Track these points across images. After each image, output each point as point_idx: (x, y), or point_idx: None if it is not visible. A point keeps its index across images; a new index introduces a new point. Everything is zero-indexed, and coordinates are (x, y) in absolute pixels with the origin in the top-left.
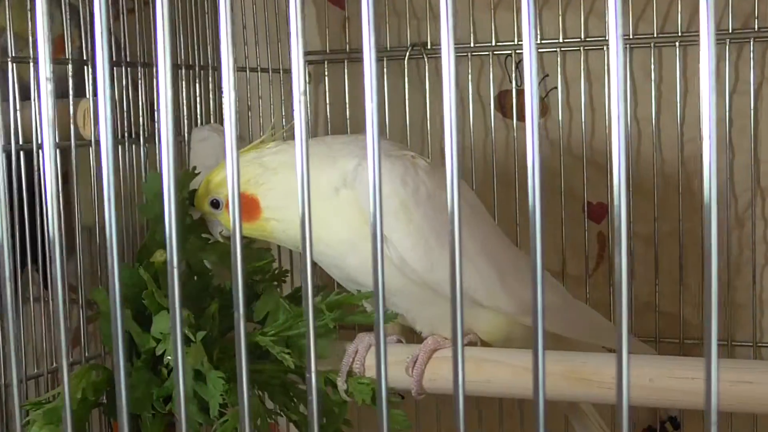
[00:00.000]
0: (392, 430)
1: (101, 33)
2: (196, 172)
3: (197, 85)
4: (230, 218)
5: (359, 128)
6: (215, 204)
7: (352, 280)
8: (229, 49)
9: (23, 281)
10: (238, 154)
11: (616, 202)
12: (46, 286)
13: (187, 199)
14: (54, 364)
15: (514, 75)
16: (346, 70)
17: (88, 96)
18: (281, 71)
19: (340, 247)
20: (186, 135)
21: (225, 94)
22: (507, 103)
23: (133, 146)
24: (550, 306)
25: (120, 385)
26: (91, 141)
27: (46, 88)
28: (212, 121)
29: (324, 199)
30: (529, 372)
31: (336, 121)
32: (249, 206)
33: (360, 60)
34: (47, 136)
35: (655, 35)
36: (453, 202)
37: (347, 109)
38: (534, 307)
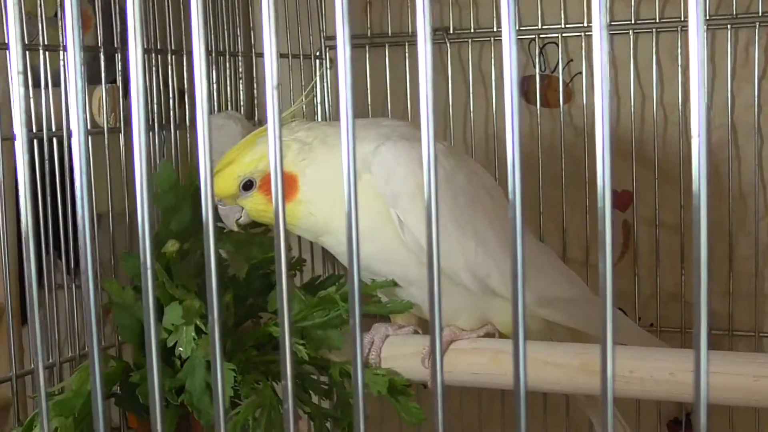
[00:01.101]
0: (407, 422)
1: (134, 20)
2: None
3: (215, 72)
4: (264, 198)
5: (379, 113)
6: (247, 185)
7: (367, 269)
8: (271, 34)
9: (47, 268)
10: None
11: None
12: (69, 273)
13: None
14: (70, 353)
15: (537, 60)
16: (367, 55)
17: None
18: (301, 56)
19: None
20: None
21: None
22: (530, 89)
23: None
24: (570, 300)
25: (153, 384)
26: (104, 129)
27: (76, 70)
28: (230, 107)
29: (342, 184)
30: (547, 365)
31: (356, 106)
32: (288, 182)
33: (381, 45)
34: (76, 124)
35: (681, 19)
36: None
37: (368, 95)
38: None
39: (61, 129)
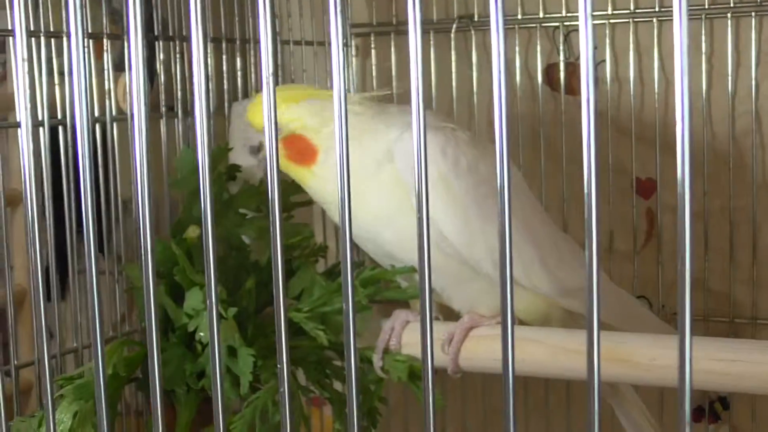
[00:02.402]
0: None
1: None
2: (230, 147)
3: (240, 59)
4: (282, 152)
5: (406, 102)
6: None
7: (387, 255)
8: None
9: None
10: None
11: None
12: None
13: (223, 174)
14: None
15: (562, 47)
16: (393, 43)
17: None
18: (325, 44)
19: (377, 221)
20: (226, 110)
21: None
22: (555, 76)
23: (171, 120)
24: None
25: (153, 363)
26: (127, 115)
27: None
28: (254, 95)
29: (365, 170)
30: (566, 352)
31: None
32: (307, 150)
33: (407, 32)
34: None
35: (706, 6)
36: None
37: (394, 83)
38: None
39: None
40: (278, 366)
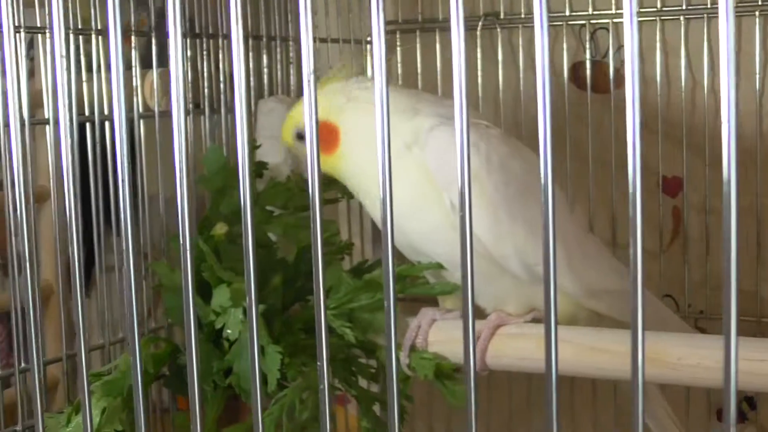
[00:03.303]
0: (452, 405)
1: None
2: (258, 144)
3: (264, 56)
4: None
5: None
6: (301, 136)
7: (413, 248)
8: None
9: (106, 248)
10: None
11: None
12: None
13: (251, 171)
14: (121, 334)
15: (588, 45)
16: (418, 40)
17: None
18: (352, 42)
19: (401, 209)
20: (253, 107)
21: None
22: (581, 75)
23: (200, 117)
24: (614, 291)
25: (192, 365)
26: (155, 112)
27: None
28: (280, 92)
29: (394, 148)
30: (594, 351)
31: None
32: (328, 136)
33: (433, 30)
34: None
35: (735, 5)
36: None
37: (419, 80)
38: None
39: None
40: (318, 363)
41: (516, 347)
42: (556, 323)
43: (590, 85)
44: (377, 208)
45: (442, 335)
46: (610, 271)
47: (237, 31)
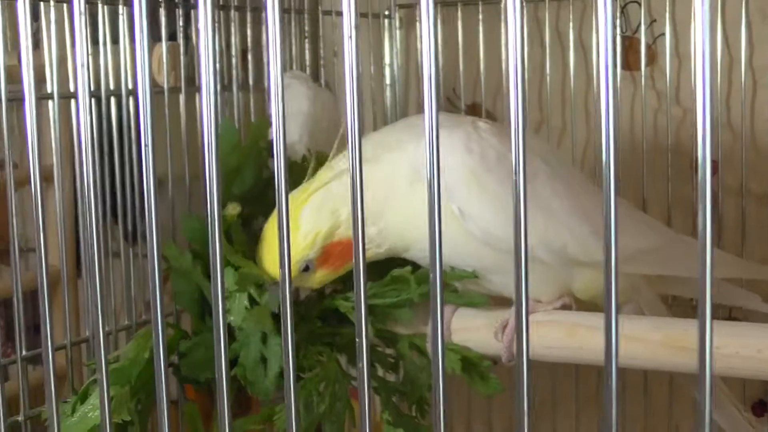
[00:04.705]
0: (485, 394)
1: None
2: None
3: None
4: (327, 270)
5: (451, 71)
6: (306, 268)
7: (447, 265)
8: None
9: (102, 235)
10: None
11: None
12: (126, 240)
13: (265, 149)
14: (126, 321)
15: (619, 20)
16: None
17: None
18: (369, 15)
19: (425, 238)
20: (267, 83)
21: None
22: None
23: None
24: (649, 249)
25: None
26: (164, 88)
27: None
28: (295, 67)
29: (401, 192)
30: (626, 339)
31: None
32: (348, 249)
33: (455, 3)
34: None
35: None
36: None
37: (439, 54)
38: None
39: (120, 88)
40: (358, 362)
41: (544, 336)
42: (617, 309)
43: (621, 62)
44: (420, 258)
45: (464, 323)
46: (639, 231)
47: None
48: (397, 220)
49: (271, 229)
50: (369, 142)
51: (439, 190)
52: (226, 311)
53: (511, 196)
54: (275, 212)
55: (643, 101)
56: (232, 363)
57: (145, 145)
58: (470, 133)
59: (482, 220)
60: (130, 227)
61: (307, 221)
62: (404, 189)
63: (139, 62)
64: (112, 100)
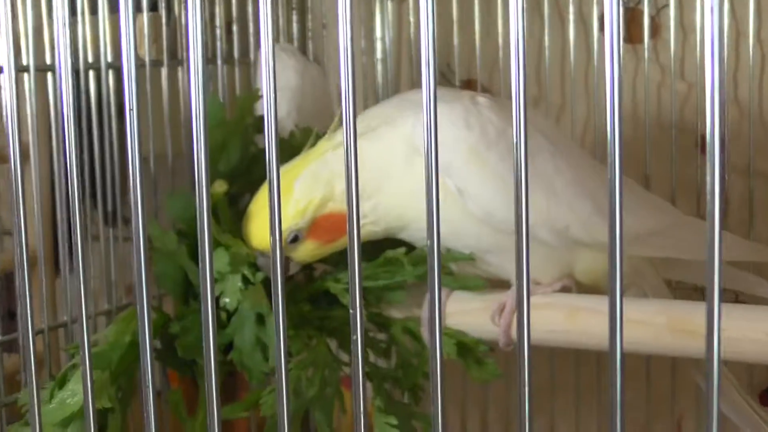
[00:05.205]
0: (481, 380)
1: None
2: (259, 95)
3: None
4: (315, 244)
5: (445, 45)
6: (294, 239)
7: (444, 247)
8: None
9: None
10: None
11: None
12: (106, 223)
13: (251, 125)
14: (106, 306)
15: None
16: None
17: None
18: None
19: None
20: (252, 55)
21: None
22: None
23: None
24: (655, 230)
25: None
26: (145, 61)
27: None
28: (282, 40)
29: (399, 169)
30: (629, 323)
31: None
32: (340, 224)
33: None
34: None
35: None
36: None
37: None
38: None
39: (98, 61)
40: (353, 338)
41: (544, 319)
42: (622, 292)
43: (623, 34)
44: (416, 238)
45: (459, 306)
46: (644, 212)
47: None
48: (393, 198)
49: (260, 200)
50: (365, 117)
51: (437, 167)
52: (216, 294)
53: (512, 174)
54: (265, 184)
55: (646, 76)
56: (227, 347)
57: (130, 110)
58: (469, 108)
59: (482, 198)
60: (110, 209)
61: (300, 190)
62: (401, 165)
63: (124, 28)
64: (91, 73)
